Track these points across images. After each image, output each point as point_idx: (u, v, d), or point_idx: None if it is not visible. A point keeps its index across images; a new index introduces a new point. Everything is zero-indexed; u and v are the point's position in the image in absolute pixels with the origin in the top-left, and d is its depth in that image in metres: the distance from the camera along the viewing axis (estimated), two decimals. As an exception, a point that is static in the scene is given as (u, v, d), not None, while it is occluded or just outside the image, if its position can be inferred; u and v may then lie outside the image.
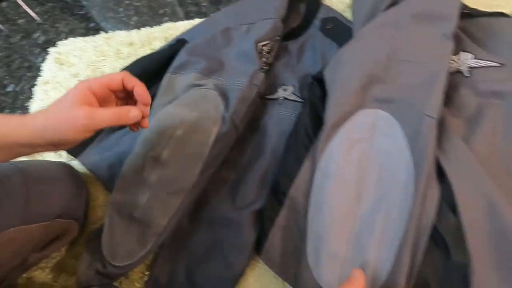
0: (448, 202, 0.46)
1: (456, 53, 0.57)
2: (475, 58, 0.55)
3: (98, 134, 0.65)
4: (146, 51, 0.75)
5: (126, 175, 0.55)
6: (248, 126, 0.60)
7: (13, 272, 0.49)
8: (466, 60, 0.56)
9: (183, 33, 0.71)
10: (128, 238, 0.51)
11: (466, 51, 0.57)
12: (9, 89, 0.81)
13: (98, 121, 0.37)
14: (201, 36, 0.68)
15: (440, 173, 0.47)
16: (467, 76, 0.54)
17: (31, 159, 0.59)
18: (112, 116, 0.38)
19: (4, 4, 0.96)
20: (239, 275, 0.51)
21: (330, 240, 0.45)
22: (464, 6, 0.62)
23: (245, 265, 0.51)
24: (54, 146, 0.39)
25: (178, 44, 0.67)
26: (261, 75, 0.61)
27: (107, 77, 0.40)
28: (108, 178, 0.61)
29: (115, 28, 0.83)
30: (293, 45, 0.69)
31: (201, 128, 0.55)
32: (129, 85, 0.41)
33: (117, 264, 0.50)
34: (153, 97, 0.60)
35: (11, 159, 0.39)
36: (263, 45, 0.64)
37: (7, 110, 0.78)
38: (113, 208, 0.53)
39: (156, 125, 0.57)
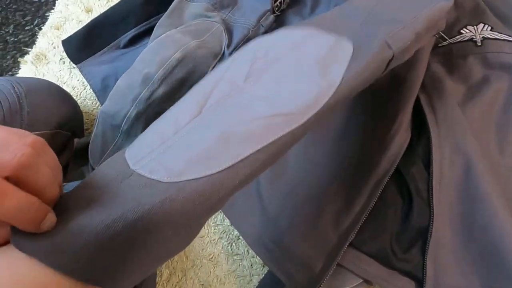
0: (422, 157, 0.43)
1: (475, 23, 0.54)
2: (491, 30, 0.52)
3: (102, 47, 0.66)
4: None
5: (120, 86, 0.55)
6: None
7: None
8: (482, 30, 0.52)
9: (205, -33, 0.71)
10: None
11: (486, 23, 0.53)
12: (35, -1, 0.84)
13: None
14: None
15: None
16: (479, 46, 0.51)
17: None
18: None
19: None
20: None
21: None
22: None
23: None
24: None
25: (195, -27, 0.67)
26: (271, 17, 0.61)
27: None
28: (100, 88, 0.63)
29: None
30: (310, -4, 0.67)
31: (200, 57, 0.54)
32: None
33: None
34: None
35: None
36: (279, -11, 0.63)
37: (28, 17, 0.81)
38: (103, 116, 0.53)
39: (157, 46, 0.57)
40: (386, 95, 0.44)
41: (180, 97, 0.52)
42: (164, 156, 0.25)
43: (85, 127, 0.61)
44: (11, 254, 0.20)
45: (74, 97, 0.65)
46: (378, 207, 0.41)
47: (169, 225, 0.23)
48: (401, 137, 0.42)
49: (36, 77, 0.63)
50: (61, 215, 0.21)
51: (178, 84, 0.52)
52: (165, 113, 0.30)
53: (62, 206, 0.22)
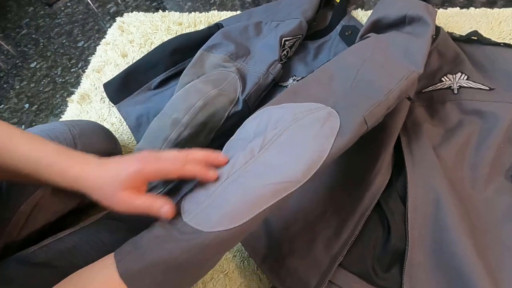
0: (400, 192, 0.52)
1: (454, 72, 0.63)
2: (467, 79, 0.60)
3: (136, 89, 0.79)
4: (190, 31, 0.87)
5: (153, 128, 0.66)
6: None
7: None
8: (460, 79, 0.61)
9: (223, 20, 0.83)
10: None
11: (463, 73, 0.62)
12: (80, 44, 0.99)
13: (132, 209, 0.39)
14: (237, 25, 0.79)
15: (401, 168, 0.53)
16: (455, 93, 0.59)
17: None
18: (145, 209, 0.39)
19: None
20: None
21: None
22: (475, 34, 0.67)
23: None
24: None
25: (215, 27, 0.79)
26: (279, 66, 0.71)
27: (167, 168, 0.40)
28: (135, 125, 0.74)
29: (172, 9, 0.98)
30: (313, 44, 0.77)
31: (219, 103, 0.65)
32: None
33: None
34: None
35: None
36: (286, 40, 0.73)
37: (74, 60, 0.95)
38: None
39: (183, 94, 0.67)
40: (370, 139, 0.53)
41: (201, 138, 0.63)
42: (205, 213, 0.37)
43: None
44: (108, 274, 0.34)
45: (113, 132, 0.78)
46: (363, 234, 0.50)
47: (207, 257, 0.37)
48: (382, 176, 0.51)
49: (85, 119, 0.75)
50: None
51: (200, 127, 0.63)
52: None
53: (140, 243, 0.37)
